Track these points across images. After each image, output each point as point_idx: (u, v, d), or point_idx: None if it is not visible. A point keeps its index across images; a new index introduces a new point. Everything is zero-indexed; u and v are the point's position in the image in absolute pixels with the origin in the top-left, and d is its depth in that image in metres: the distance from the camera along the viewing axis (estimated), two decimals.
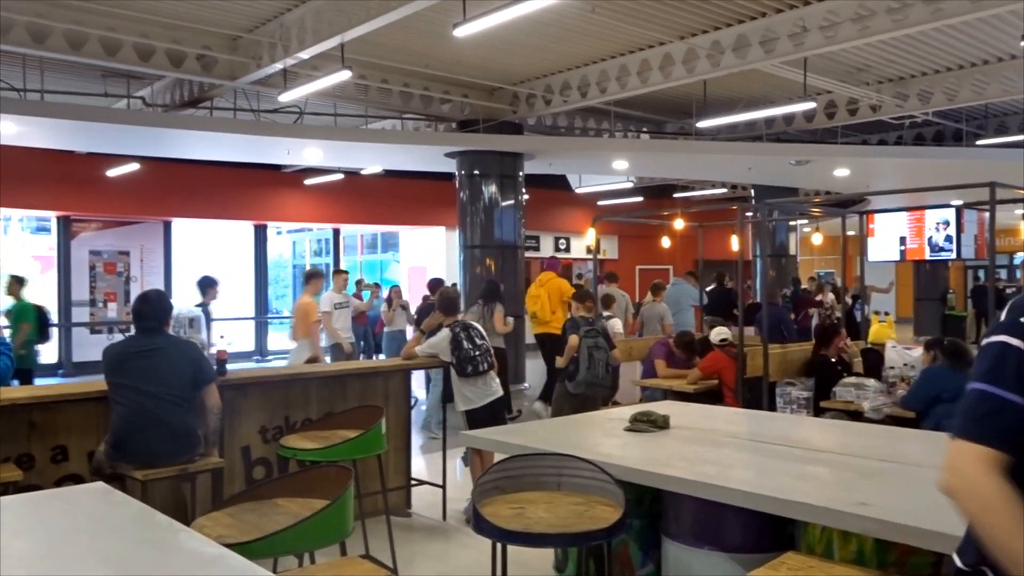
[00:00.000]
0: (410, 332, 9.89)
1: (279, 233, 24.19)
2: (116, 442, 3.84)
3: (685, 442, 3.52)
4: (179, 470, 3.84)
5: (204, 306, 7.60)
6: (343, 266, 19.29)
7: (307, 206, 16.21)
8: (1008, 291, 16.70)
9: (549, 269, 10.04)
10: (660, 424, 3.68)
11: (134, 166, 12.82)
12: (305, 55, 8.51)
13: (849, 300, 11.12)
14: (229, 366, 4.85)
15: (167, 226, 15.27)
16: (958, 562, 1.56)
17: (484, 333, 5.58)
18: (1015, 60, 10.32)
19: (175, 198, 14.39)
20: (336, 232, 18.73)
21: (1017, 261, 21.07)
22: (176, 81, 11.16)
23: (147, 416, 3.81)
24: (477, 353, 5.37)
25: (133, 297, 13.98)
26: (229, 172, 14.31)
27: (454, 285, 10.51)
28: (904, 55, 10.19)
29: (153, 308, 4.05)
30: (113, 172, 13.15)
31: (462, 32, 7.19)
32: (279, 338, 19.35)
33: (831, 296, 12.80)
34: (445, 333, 5.43)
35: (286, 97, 9.85)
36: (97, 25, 8.52)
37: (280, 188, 15.66)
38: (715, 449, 3.37)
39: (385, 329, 10.42)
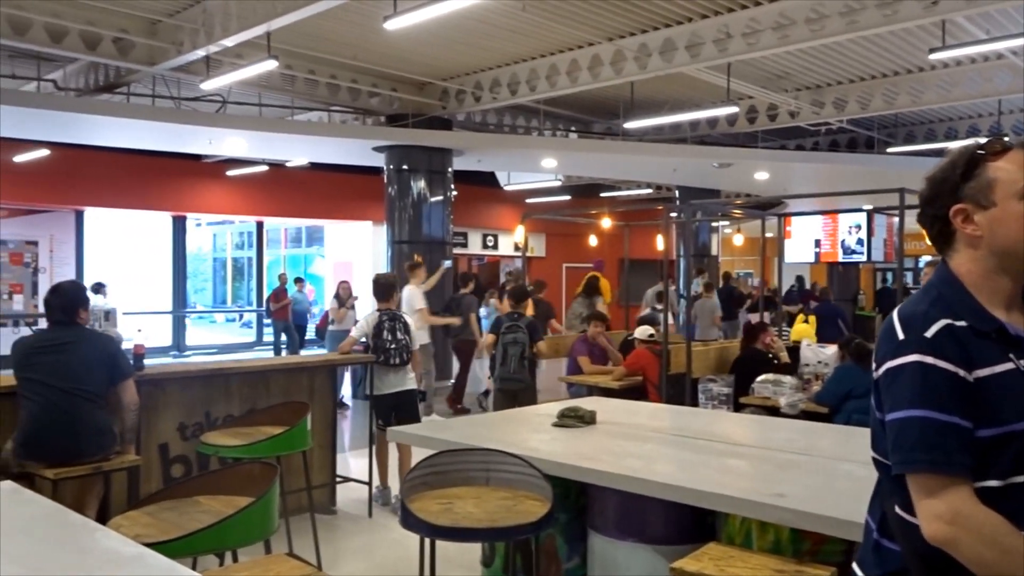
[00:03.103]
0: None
1: (199, 225, 23.46)
2: (25, 440, 3.68)
3: (611, 437, 3.58)
4: (93, 468, 3.70)
5: None
6: (268, 259, 18.92)
7: (229, 198, 15.75)
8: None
9: (596, 271, 11.58)
10: (587, 420, 3.74)
11: (43, 152, 12.24)
12: (229, 42, 8.27)
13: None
14: (146, 361, 4.71)
15: (79, 215, 14.64)
16: (860, 574, 1.51)
17: (411, 328, 5.75)
18: (923, 72, 10.86)
19: (88, 187, 13.78)
20: (260, 225, 18.30)
21: (922, 264, 22.12)
22: (91, 64, 10.69)
23: (58, 413, 3.66)
24: (392, 346, 5.59)
25: (42, 289, 13.47)
26: (146, 161, 13.76)
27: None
28: (821, 64, 10.59)
29: (66, 300, 3.88)
30: (21, 158, 12.51)
31: (392, 25, 7.13)
32: (198, 332, 18.82)
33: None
34: (375, 316, 5.68)
35: (208, 85, 9.56)
36: (5, 3, 8.09)
37: (200, 179, 15.16)
38: (640, 444, 3.45)
39: (330, 327, 10.16)
